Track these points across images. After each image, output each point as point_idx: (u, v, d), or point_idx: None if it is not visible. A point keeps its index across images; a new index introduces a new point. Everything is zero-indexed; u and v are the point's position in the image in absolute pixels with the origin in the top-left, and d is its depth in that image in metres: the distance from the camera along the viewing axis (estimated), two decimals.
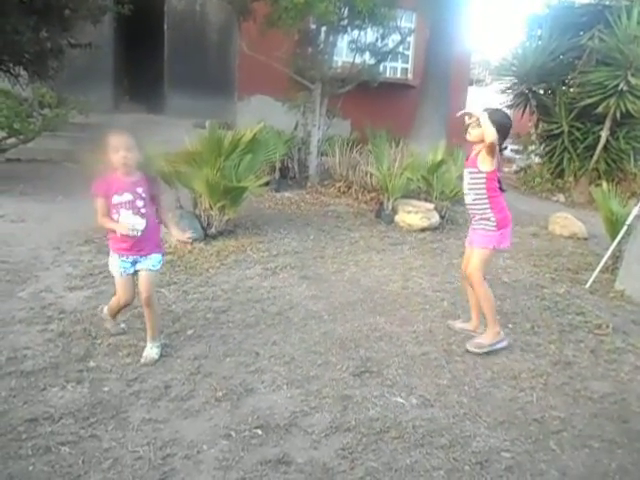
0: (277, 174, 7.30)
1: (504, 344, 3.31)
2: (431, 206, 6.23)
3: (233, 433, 2.35)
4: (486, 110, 3.12)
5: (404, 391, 2.79)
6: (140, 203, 2.78)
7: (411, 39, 11.08)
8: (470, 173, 3.24)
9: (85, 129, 7.72)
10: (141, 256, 2.86)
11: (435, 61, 8.82)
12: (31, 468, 2.06)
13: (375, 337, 3.35)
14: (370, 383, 2.84)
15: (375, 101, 9.66)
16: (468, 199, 3.29)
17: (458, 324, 3.59)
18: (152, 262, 2.88)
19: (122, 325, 3.20)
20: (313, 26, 7.66)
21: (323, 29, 7.32)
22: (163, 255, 3.03)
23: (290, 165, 7.81)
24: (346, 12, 6.77)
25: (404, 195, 6.35)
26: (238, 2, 7.21)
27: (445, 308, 3.91)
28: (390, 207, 6.21)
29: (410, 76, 12.24)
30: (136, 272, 2.90)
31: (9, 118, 5.87)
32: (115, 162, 2.75)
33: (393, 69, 12.26)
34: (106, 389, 2.59)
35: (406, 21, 10.89)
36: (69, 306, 3.43)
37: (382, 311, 3.77)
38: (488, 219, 3.22)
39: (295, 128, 8.02)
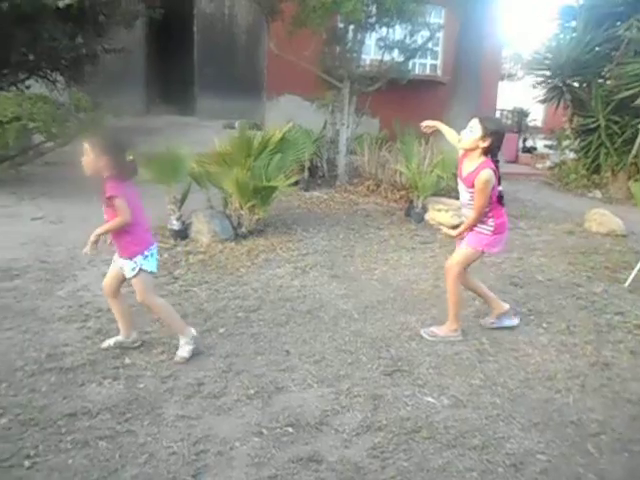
0: (306, 173, 7.32)
1: (457, 339, 3.30)
2: None
3: (265, 430, 2.37)
4: (480, 118, 3.08)
5: (435, 391, 2.76)
6: (104, 208, 2.76)
7: (440, 35, 10.94)
8: (468, 191, 3.15)
9: (120, 132, 7.90)
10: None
11: (465, 56, 8.68)
12: (71, 461, 2.12)
13: (406, 336, 3.33)
14: (401, 382, 2.82)
15: (404, 98, 9.58)
16: (467, 213, 3.24)
17: (488, 320, 3.54)
18: (126, 270, 2.80)
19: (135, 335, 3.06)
20: (341, 25, 7.65)
21: (351, 27, 7.30)
22: (137, 260, 2.76)
23: (319, 164, 7.83)
24: (374, 9, 6.74)
25: (434, 193, 6.28)
26: (267, 3, 7.27)
27: (477, 307, 3.85)
28: (420, 205, 6.15)
29: (439, 72, 12.10)
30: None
31: (47, 123, 6.06)
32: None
33: (422, 66, 12.13)
34: (141, 385, 2.65)
35: (435, 17, 10.78)
36: (105, 304, 3.51)
37: (413, 310, 3.74)
38: (486, 223, 3.18)
39: (324, 127, 8.03)
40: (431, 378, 2.87)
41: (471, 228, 3.21)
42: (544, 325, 3.62)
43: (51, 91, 7.51)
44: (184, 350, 2.92)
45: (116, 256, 2.88)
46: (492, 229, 3.17)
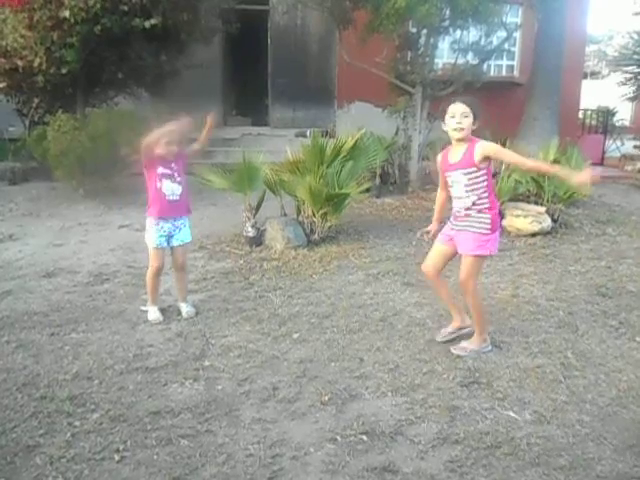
0: (378, 180, 7.29)
1: (489, 349, 3.15)
2: (542, 209, 5.86)
3: (339, 437, 2.37)
4: (467, 103, 2.91)
5: (516, 405, 2.63)
6: (175, 174, 3.38)
7: (517, 34, 10.54)
8: (467, 174, 2.93)
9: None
10: (175, 225, 3.46)
11: (544, 55, 8.30)
12: (155, 457, 2.23)
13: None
14: (479, 395, 2.72)
15: (479, 101, 9.30)
16: (466, 202, 2.97)
17: (442, 331, 3.33)
18: (185, 235, 3.53)
19: (158, 314, 3.51)
20: (413, 29, 7.58)
21: (424, 32, 7.22)
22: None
23: (390, 171, 7.77)
24: (448, 12, 6.62)
25: (512, 198, 6.04)
26: (339, 12, 7.34)
27: (561, 318, 3.64)
28: None
29: (516, 73, 11.64)
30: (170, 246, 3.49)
31: (133, 136, 6.45)
32: (163, 149, 3.28)
33: (498, 67, 11.73)
34: (219, 387, 2.74)
35: (512, 16, 10.38)
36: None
37: (490, 320, 3.59)
38: (485, 217, 2.95)
39: (396, 133, 7.96)
40: (511, 391, 2.75)
41: (467, 230, 3.01)
42: (637, 339, 3.36)
43: (136, 106, 8.00)
44: (191, 308, 3.58)
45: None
46: (490, 225, 2.95)
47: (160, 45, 7.16)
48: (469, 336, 3.22)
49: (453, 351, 3.15)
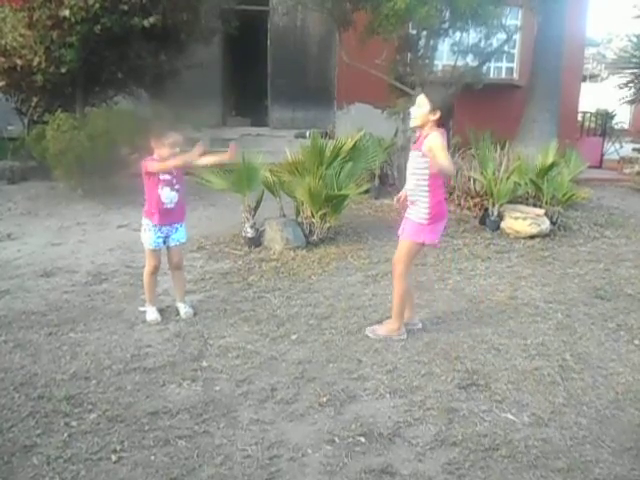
0: (377, 181, 7.29)
1: (401, 337, 3.28)
2: (541, 211, 5.87)
3: (337, 439, 2.37)
4: (425, 93, 3.09)
5: (514, 407, 2.63)
6: (174, 181, 3.39)
7: (517, 37, 10.55)
8: (414, 157, 3.12)
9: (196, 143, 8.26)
10: (172, 227, 3.47)
11: (544, 57, 8.30)
12: (153, 458, 2.22)
13: (482, 349, 3.21)
14: (477, 397, 2.72)
15: (478, 103, 9.30)
16: (410, 184, 3.17)
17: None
18: (181, 235, 3.54)
19: (156, 315, 3.49)
20: (413, 31, 7.58)
21: (423, 34, 7.22)
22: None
23: (389, 172, 7.77)
24: (447, 14, 6.62)
25: (511, 200, 6.04)
26: (339, 13, 7.33)
27: (560, 320, 3.65)
28: (496, 213, 5.94)
29: (516, 76, 11.65)
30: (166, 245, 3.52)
31: (132, 136, 6.44)
32: (166, 153, 3.31)
33: (497, 69, 11.75)
34: (217, 388, 2.74)
35: (511, 18, 10.39)
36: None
37: (489, 322, 3.60)
38: (423, 207, 3.09)
39: (395, 135, 7.96)
40: (509, 394, 2.75)
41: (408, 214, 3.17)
42: (635, 342, 3.36)
43: (136, 106, 7.98)
44: (189, 309, 3.58)
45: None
46: (428, 214, 3.08)
47: (160, 45, 7.15)
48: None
49: (366, 333, 3.30)
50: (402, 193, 3.39)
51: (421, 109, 3.06)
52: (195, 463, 2.20)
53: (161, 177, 3.37)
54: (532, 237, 5.61)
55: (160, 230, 3.46)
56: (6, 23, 6.44)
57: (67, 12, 6.07)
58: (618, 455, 2.31)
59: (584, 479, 2.16)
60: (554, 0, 7.66)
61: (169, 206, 3.42)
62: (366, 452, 2.29)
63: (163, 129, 3.36)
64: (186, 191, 3.56)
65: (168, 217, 3.46)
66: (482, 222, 6.05)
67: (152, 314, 3.50)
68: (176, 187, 3.43)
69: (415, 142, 3.21)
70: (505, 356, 3.14)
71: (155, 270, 3.55)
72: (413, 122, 3.16)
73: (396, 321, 3.30)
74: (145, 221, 3.50)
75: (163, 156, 3.33)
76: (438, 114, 3.04)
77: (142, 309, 3.59)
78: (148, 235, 3.48)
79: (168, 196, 3.40)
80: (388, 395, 2.71)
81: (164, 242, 3.52)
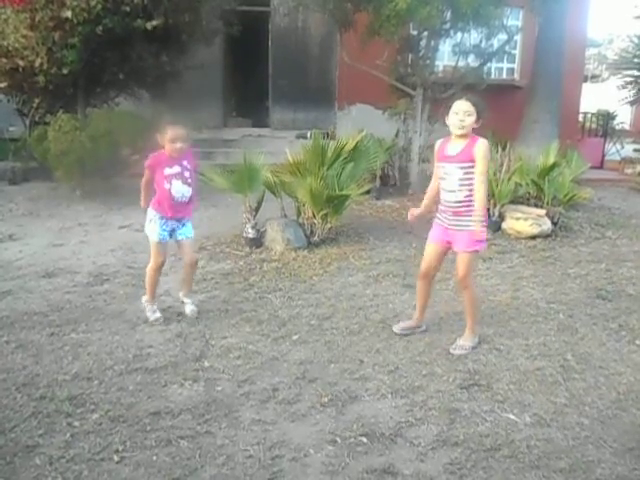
0: (378, 182, 7.29)
1: (477, 342, 3.27)
2: (542, 212, 5.86)
3: (338, 439, 2.37)
4: (471, 102, 3.00)
5: (516, 408, 2.63)
6: (187, 174, 3.36)
7: (518, 37, 10.56)
8: (463, 168, 3.00)
9: (198, 144, 8.28)
10: (179, 222, 3.42)
11: (545, 58, 8.31)
12: (155, 458, 2.22)
13: (483, 349, 3.21)
14: (479, 397, 2.72)
15: (484, 101, 9.31)
16: (458, 196, 3.04)
17: (400, 325, 3.43)
18: (188, 230, 3.49)
19: (158, 315, 3.48)
20: (414, 32, 7.59)
21: (424, 34, 7.23)
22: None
23: (391, 173, 7.78)
24: (448, 15, 6.63)
25: (512, 201, 6.04)
26: (340, 14, 7.35)
27: (561, 321, 3.64)
28: (497, 214, 5.94)
29: (517, 76, 11.67)
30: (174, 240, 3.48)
31: (133, 137, 6.46)
32: (172, 148, 3.27)
33: (498, 70, 11.76)
34: (219, 388, 2.74)
35: (512, 19, 10.40)
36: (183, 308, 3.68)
37: (490, 322, 3.60)
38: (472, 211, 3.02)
39: (396, 135, 7.97)
40: (511, 394, 2.75)
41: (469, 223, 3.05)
42: (637, 342, 3.36)
43: (137, 107, 8.00)
44: (195, 307, 3.58)
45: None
46: (485, 224, 3.04)
47: (161, 46, 7.16)
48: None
49: (453, 352, 3.16)
50: (419, 210, 3.29)
51: (471, 117, 2.98)
52: (197, 463, 2.20)
53: (166, 172, 3.31)
54: (533, 237, 5.61)
55: (166, 223, 3.39)
56: (8, 24, 6.45)
57: (69, 13, 6.08)
58: (620, 455, 2.30)
59: (586, 479, 2.16)
60: (555, 1, 7.66)
61: (180, 200, 3.35)
62: (368, 452, 2.29)
63: (172, 124, 3.28)
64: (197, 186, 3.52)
65: (178, 211, 3.39)
66: None
67: (153, 314, 3.50)
68: (188, 180, 3.36)
69: (458, 152, 3.02)
70: (507, 356, 3.14)
71: (160, 267, 3.49)
72: (459, 130, 2.99)
73: (474, 327, 3.26)
74: (151, 212, 3.42)
75: (170, 153, 3.30)
76: (480, 122, 3.00)
77: (143, 301, 3.57)
78: (152, 227, 3.40)
79: (180, 190, 3.33)
80: (390, 395, 2.71)
81: (170, 236, 3.45)
